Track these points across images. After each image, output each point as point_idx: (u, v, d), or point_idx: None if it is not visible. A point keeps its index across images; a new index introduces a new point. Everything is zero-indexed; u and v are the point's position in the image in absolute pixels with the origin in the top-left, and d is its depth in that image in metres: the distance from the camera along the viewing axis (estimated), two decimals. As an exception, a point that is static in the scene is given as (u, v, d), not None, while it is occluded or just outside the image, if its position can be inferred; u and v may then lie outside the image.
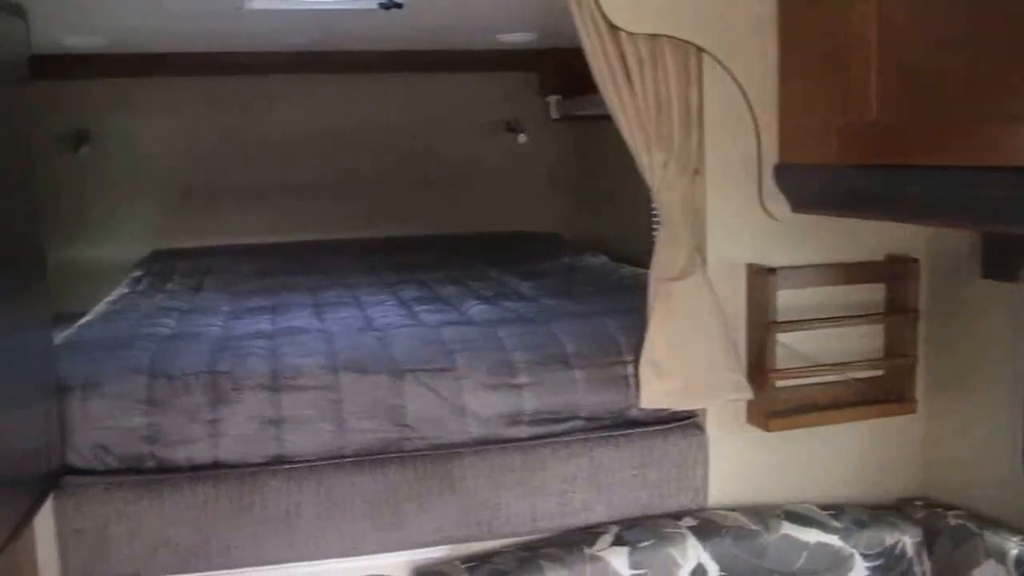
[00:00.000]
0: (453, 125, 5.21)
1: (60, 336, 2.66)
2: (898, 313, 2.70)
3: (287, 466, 2.42)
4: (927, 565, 2.58)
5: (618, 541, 2.47)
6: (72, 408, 2.36)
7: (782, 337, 2.59)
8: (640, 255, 2.72)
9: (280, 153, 5.02)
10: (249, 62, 4.58)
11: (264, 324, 3.09)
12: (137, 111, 4.89)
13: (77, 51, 3.99)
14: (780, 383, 2.61)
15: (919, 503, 2.68)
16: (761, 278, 2.56)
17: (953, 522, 2.54)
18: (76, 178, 4.71)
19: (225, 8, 3.19)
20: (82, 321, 3.18)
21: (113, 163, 4.90)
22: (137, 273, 4.36)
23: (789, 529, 2.53)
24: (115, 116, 4.87)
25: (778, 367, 2.59)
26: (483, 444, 2.52)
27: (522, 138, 5.27)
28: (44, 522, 2.32)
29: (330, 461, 2.44)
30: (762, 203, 2.53)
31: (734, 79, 2.46)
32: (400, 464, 2.46)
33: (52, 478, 2.31)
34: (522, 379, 2.54)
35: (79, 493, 2.33)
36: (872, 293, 2.70)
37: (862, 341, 2.70)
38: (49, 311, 2.41)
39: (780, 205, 2.52)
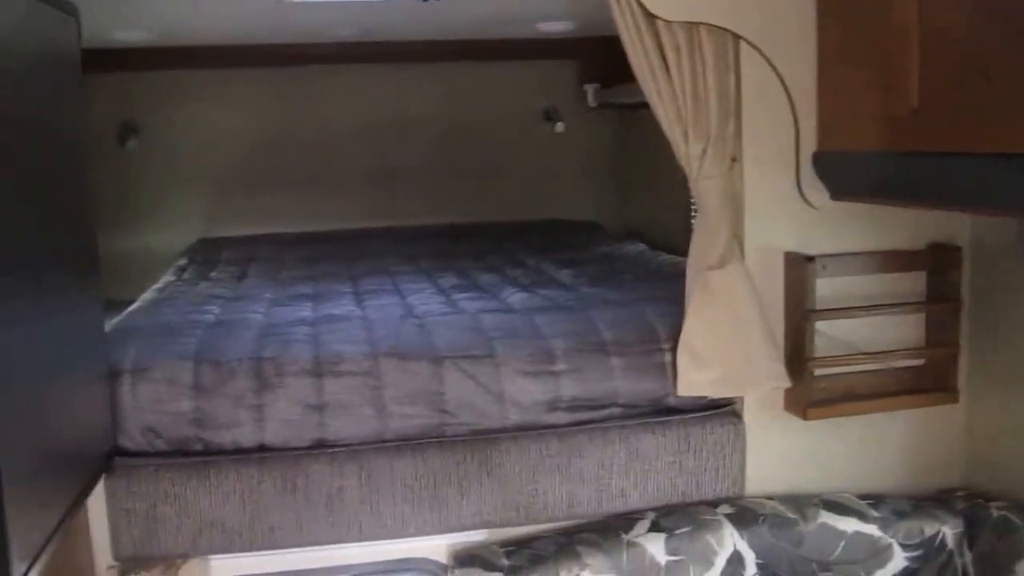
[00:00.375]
0: (492, 114, 5.24)
1: (110, 323, 2.74)
2: (940, 302, 2.70)
3: (329, 450, 2.48)
4: (968, 557, 2.57)
5: (655, 528, 2.51)
6: (123, 392, 2.44)
7: (821, 325, 2.60)
8: (678, 243, 2.74)
9: (322, 143, 5.09)
10: (292, 54, 4.66)
11: (306, 311, 3.16)
12: (183, 103, 4.99)
13: (124, 45, 4.08)
14: (819, 371, 2.61)
15: (960, 494, 2.67)
16: (799, 266, 2.57)
17: (996, 513, 2.52)
18: (123, 169, 4.80)
19: (268, 2, 3.26)
20: (130, 308, 3.27)
21: (159, 154, 5.00)
22: (182, 262, 4.45)
23: (827, 518, 2.54)
24: (162, 108, 4.96)
25: (817, 355, 2.59)
26: (521, 430, 2.56)
27: (560, 127, 5.28)
28: (97, 502, 2.40)
29: (371, 446, 2.50)
30: (800, 191, 2.55)
31: (772, 66, 2.47)
32: (440, 449, 2.51)
33: (104, 460, 2.40)
34: (560, 366, 2.58)
35: (130, 474, 2.42)
36: (913, 281, 2.70)
37: (903, 330, 2.70)
38: (101, 299, 2.49)
39: (819, 193, 2.53)
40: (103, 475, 2.39)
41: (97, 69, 2.36)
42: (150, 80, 4.82)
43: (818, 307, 2.58)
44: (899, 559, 2.55)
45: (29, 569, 1.80)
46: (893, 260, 2.67)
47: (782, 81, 2.49)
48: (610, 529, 2.52)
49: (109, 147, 4.75)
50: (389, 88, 5.09)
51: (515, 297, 3.27)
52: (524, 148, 5.34)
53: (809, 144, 2.52)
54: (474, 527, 2.57)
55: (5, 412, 1.70)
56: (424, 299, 3.32)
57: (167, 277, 4.09)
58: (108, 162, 4.66)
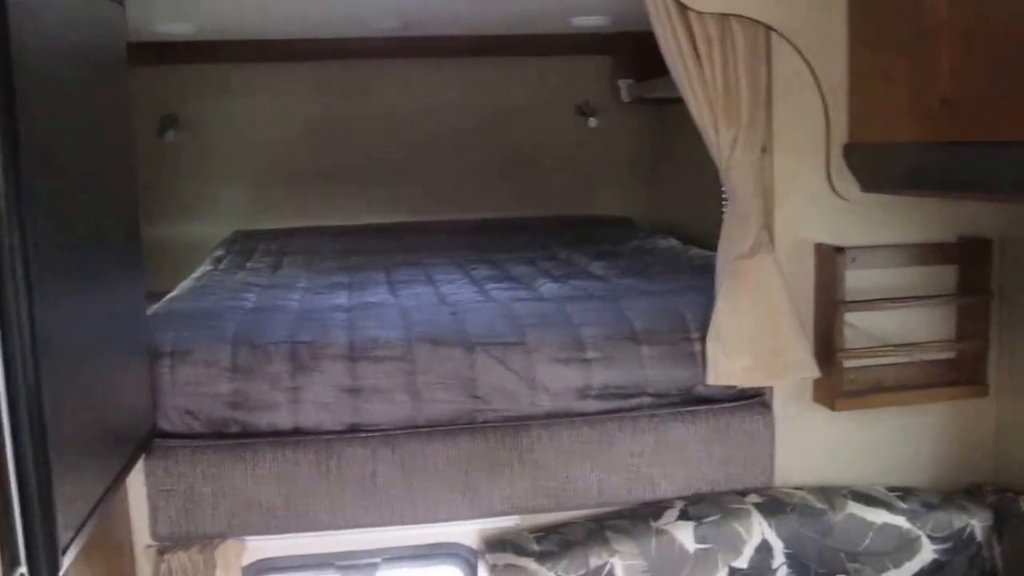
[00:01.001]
0: (526, 109, 5.28)
1: (150, 309, 2.81)
2: (970, 295, 2.71)
3: (363, 434, 2.54)
4: (997, 550, 2.59)
5: (684, 516, 2.54)
6: (163, 374, 2.51)
7: (851, 317, 2.62)
8: (710, 238, 2.76)
9: (357, 137, 5.15)
10: (330, 48, 4.72)
11: (341, 299, 3.22)
12: (222, 96, 5.08)
13: (167, 38, 4.16)
14: (848, 363, 2.64)
15: (990, 487, 2.68)
16: (829, 257, 2.60)
17: (1025, 507, 2.54)
18: (162, 161, 4.89)
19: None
20: (169, 295, 3.34)
21: (198, 147, 5.09)
22: (220, 252, 4.54)
23: (855, 509, 2.57)
24: (201, 101, 5.06)
25: (846, 347, 2.62)
26: (553, 417, 2.60)
27: (593, 122, 5.32)
28: (136, 482, 2.47)
29: (405, 430, 2.55)
30: (831, 182, 2.57)
31: (803, 57, 2.50)
32: (472, 435, 2.56)
33: (144, 440, 2.46)
34: (591, 354, 2.62)
35: (168, 455, 2.48)
36: (944, 274, 2.72)
37: (933, 323, 2.72)
38: (144, 284, 2.56)
39: (849, 184, 2.55)
40: (143, 455, 2.45)
41: (139, 61, 2.42)
42: (190, 73, 4.92)
43: (848, 299, 2.61)
44: (927, 551, 2.57)
45: (72, 541, 1.86)
46: (924, 252, 2.69)
47: (813, 72, 2.51)
48: (639, 516, 2.56)
49: (149, 139, 4.83)
50: (425, 82, 5.15)
51: (547, 287, 3.32)
52: (558, 143, 5.38)
53: (840, 135, 2.54)
54: (505, 512, 2.61)
55: (54, 390, 1.76)
56: (457, 288, 3.38)
57: (205, 267, 4.18)
58: (148, 153, 4.74)
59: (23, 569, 1.73)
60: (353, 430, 2.55)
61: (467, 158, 5.25)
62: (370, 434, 2.54)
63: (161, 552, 2.52)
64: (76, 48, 2.08)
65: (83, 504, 1.96)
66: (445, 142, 5.22)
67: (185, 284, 3.68)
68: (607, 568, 2.44)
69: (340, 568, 2.66)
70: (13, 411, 1.68)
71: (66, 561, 1.81)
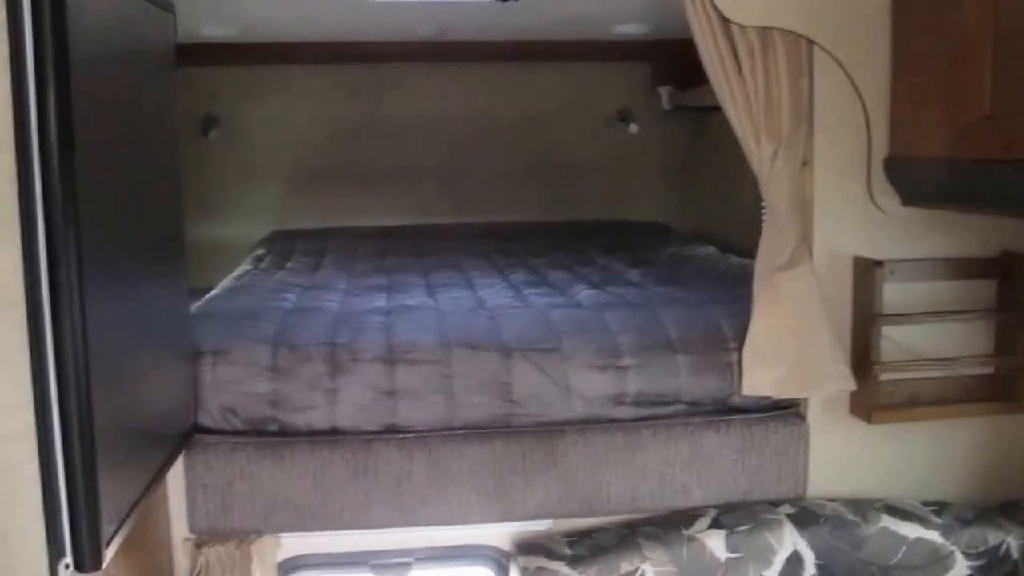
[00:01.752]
0: (565, 114, 5.32)
1: (191, 307, 2.87)
2: (1010, 310, 2.72)
3: (399, 435, 2.59)
4: (1032, 568, 2.59)
5: (716, 524, 2.57)
6: (204, 372, 2.58)
7: (888, 330, 2.64)
8: (748, 247, 2.79)
9: (398, 140, 5.21)
10: (371, 52, 4.79)
11: (380, 301, 3.27)
12: (264, 97, 5.15)
13: (211, 40, 4.24)
14: (884, 376, 2.66)
15: (1026, 505, 2.69)
16: (868, 271, 2.62)
17: (1062, 525, 2.54)
18: (204, 160, 4.96)
19: (351, 1, 3.38)
20: (210, 294, 3.41)
21: (239, 147, 5.17)
22: (259, 251, 4.60)
23: (888, 522, 2.58)
24: (243, 102, 5.13)
25: (883, 360, 2.63)
26: (587, 423, 2.64)
27: (633, 128, 5.34)
28: (176, 476, 2.53)
29: (440, 432, 2.60)
30: (871, 196, 2.59)
31: (845, 71, 2.53)
32: (506, 439, 2.60)
33: (185, 436, 2.53)
34: (627, 361, 2.66)
35: (208, 451, 2.54)
36: (982, 289, 2.73)
37: (971, 338, 2.73)
38: (187, 283, 2.62)
39: (889, 198, 2.57)
40: (183, 451, 2.52)
41: (182, 62, 2.49)
42: (231, 74, 4.99)
43: (885, 312, 2.62)
44: (961, 567, 2.57)
45: (115, 534, 1.92)
46: (963, 267, 2.71)
47: (855, 86, 2.54)
48: (671, 524, 2.59)
49: (191, 139, 4.90)
50: (464, 87, 5.19)
51: (584, 294, 3.35)
52: (597, 149, 5.40)
53: (881, 149, 2.57)
54: (538, 516, 2.65)
55: (101, 387, 1.82)
56: (495, 293, 3.42)
57: (245, 266, 4.24)
58: (190, 153, 4.81)
59: (68, 560, 1.79)
60: (389, 431, 2.60)
61: (504, 162, 5.29)
62: (406, 436, 2.59)
63: (198, 545, 2.59)
64: (127, 52, 2.14)
65: (126, 498, 2.02)
66: (482, 145, 5.26)
67: (225, 283, 3.75)
68: (638, 574, 2.47)
69: (373, 567, 2.71)
70: (63, 408, 1.75)
71: (109, 554, 1.88)
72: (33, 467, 1.75)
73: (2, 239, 1.67)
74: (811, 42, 2.50)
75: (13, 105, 1.65)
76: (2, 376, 1.71)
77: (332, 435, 2.59)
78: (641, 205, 5.44)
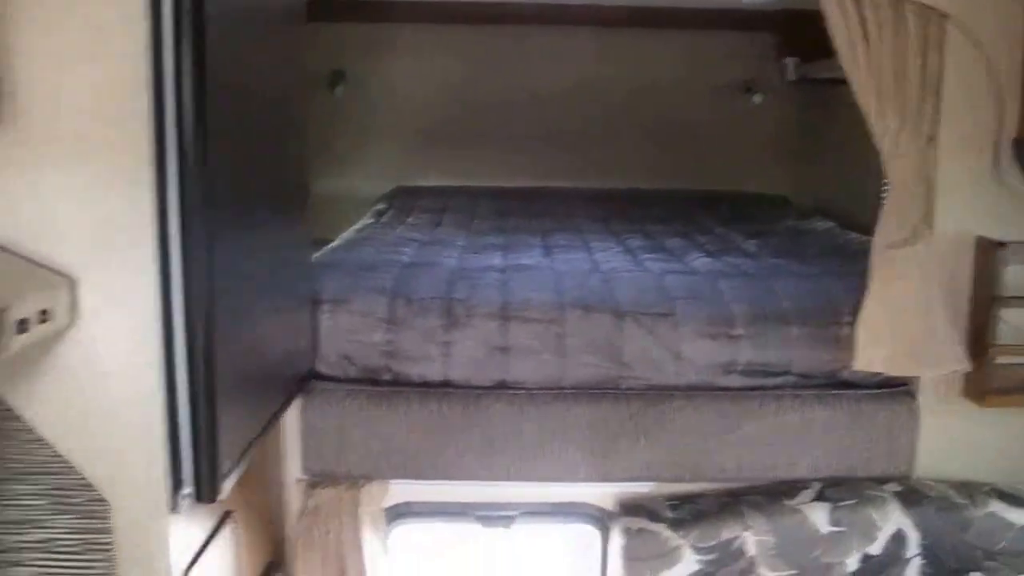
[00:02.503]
0: (688, 82, 5.31)
1: (313, 257, 2.99)
2: None
3: (509, 391, 2.67)
4: None
5: (820, 497, 2.60)
6: (323, 320, 2.69)
7: (1006, 313, 2.62)
8: (868, 223, 2.77)
9: (521, 102, 5.26)
10: (498, 13, 4.86)
11: (496, 260, 3.35)
12: (390, 55, 5.25)
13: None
14: (1000, 360, 2.64)
15: None
16: (989, 252, 2.60)
17: None
18: (329, 116, 5.08)
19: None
20: (332, 245, 3.53)
21: (365, 103, 5.29)
22: (381, 206, 4.73)
23: (997, 507, 2.59)
24: (369, 59, 5.24)
25: (1000, 343, 2.62)
26: (695, 389, 2.69)
27: (757, 99, 5.30)
28: (292, 419, 2.65)
29: (550, 390, 2.68)
30: (997, 175, 2.56)
31: (978, 48, 2.50)
32: (615, 400, 2.66)
33: (302, 381, 2.65)
34: (739, 330, 2.69)
35: (324, 397, 2.66)
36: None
37: None
38: (311, 234, 2.74)
39: (1016, 179, 2.53)
40: (300, 395, 2.63)
41: (313, 18, 2.58)
42: (362, 32, 5.10)
43: (1005, 294, 2.60)
44: (1071, 558, 2.56)
45: (232, 470, 2.05)
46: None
47: (988, 63, 2.51)
48: (775, 494, 2.64)
49: (318, 94, 5.04)
50: (587, 52, 5.22)
51: (699, 261, 3.39)
52: (719, 118, 5.37)
53: (1011, 128, 2.53)
54: (641, 479, 2.71)
55: (224, 326, 1.93)
56: (610, 257, 3.47)
57: (366, 220, 4.37)
58: (316, 108, 4.94)
59: (188, 490, 1.92)
60: (500, 386, 2.68)
61: (623, 127, 5.30)
62: (516, 392, 2.67)
63: (310, 486, 2.70)
64: (260, 6, 2.23)
65: (243, 436, 2.14)
66: (603, 110, 5.28)
67: (346, 235, 3.87)
68: (738, 542, 2.52)
69: (478, 518, 2.80)
70: (190, 345, 1.87)
71: (226, 487, 2.00)
72: (160, 400, 1.88)
73: (138, 183, 1.79)
74: (944, 16, 2.47)
75: (151, 58, 1.76)
76: (133, 312, 1.84)
77: (444, 387, 2.69)
78: (760, 177, 5.40)
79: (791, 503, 2.58)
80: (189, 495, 1.92)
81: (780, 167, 5.44)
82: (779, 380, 2.71)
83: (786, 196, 5.24)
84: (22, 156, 1.77)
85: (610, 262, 3.35)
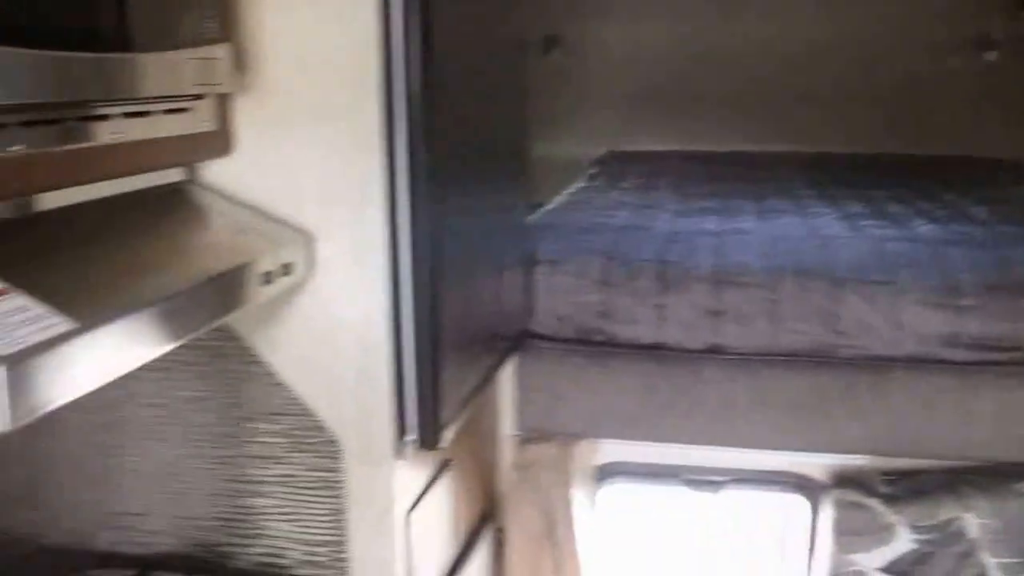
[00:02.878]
0: (912, 39, 5.06)
1: (528, 218, 3.08)
2: None
3: (722, 356, 2.68)
4: None
5: (1052, 483, 2.48)
6: (539, 280, 2.78)
7: None
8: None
9: (736, 66, 5.18)
10: None
11: (710, 224, 3.34)
12: (604, 19, 5.29)
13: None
14: None
15: None
16: None
17: None
18: (543, 80, 5.17)
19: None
20: (546, 207, 3.63)
21: (578, 68, 5.35)
22: (593, 170, 4.79)
23: None
24: (584, 23, 5.29)
25: None
26: (916, 361, 2.61)
27: (990, 56, 5.00)
28: (507, 376, 2.77)
29: (763, 357, 2.66)
30: None
31: None
32: (830, 369, 2.62)
33: (517, 339, 2.75)
34: (966, 301, 2.59)
35: (538, 356, 2.75)
36: None
37: None
38: (527, 194, 2.82)
39: None
40: (515, 353, 2.74)
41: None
42: None
43: None
44: None
45: (453, 419, 2.16)
46: None
47: None
48: (1001, 476, 2.54)
49: (533, 57, 5.12)
50: (807, 10, 5.08)
51: (923, 228, 3.27)
52: (946, 77, 5.11)
53: None
54: (857, 451, 2.66)
55: (449, 284, 2.04)
56: (827, 222, 3.40)
57: (579, 183, 4.44)
58: (531, 73, 5.03)
59: (413, 437, 2.05)
60: (712, 351, 2.70)
61: (842, 89, 5.13)
62: (728, 357, 2.68)
63: (523, 442, 2.81)
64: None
65: (463, 389, 2.25)
66: (820, 71, 5.13)
67: (560, 198, 3.96)
68: (957, 523, 2.46)
69: (686, 481, 2.84)
70: (417, 303, 1.98)
71: (447, 436, 2.11)
72: (388, 350, 2.00)
73: (370, 146, 1.90)
74: None
75: (381, 22, 1.85)
76: (365, 267, 1.96)
77: (657, 349, 2.72)
78: (993, 140, 5.10)
79: (1019, 486, 2.47)
80: (413, 441, 2.04)
81: (1015, 130, 5.12)
82: (1008, 355, 2.58)
83: (1020, 161, 4.94)
84: (267, 120, 1.92)
85: (827, 228, 3.28)
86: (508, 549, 2.79)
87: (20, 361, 1.14)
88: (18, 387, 1.13)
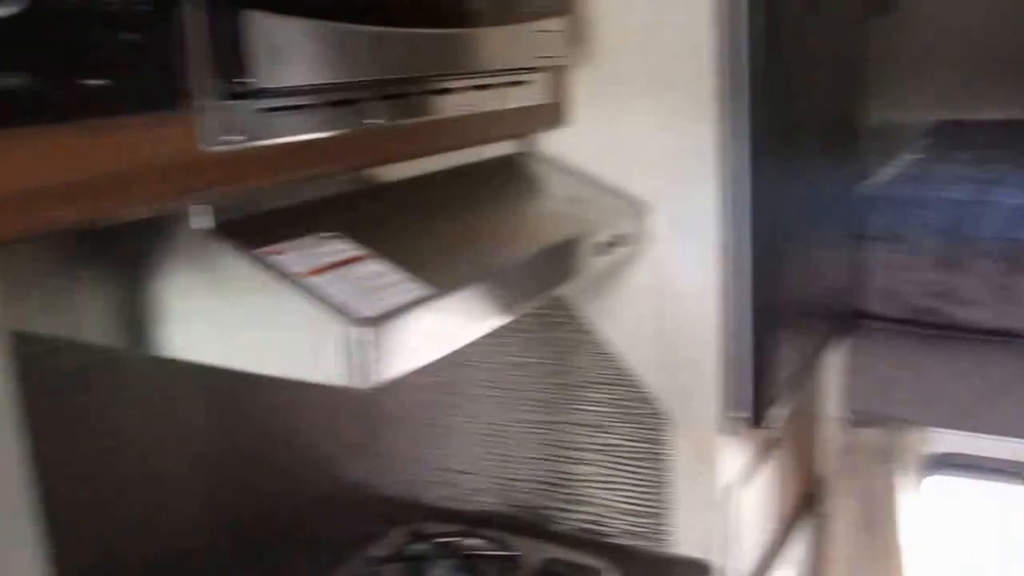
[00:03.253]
0: None
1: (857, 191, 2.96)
2: None
3: None
4: None
5: None
6: (870, 256, 2.66)
7: None
8: None
9: None
10: None
11: (1063, 200, 3.06)
12: None
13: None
14: None
15: None
16: None
17: None
18: (875, 46, 4.92)
19: None
20: (875, 179, 3.46)
21: (911, 30, 5.05)
22: (926, 141, 4.52)
23: None
24: None
25: None
26: None
27: None
28: (835, 356, 2.68)
29: None
30: None
31: None
32: None
33: (847, 318, 2.65)
34: None
35: (868, 336, 2.64)
36: None
37: None
38: (859, 167, 2.70)
39: None
40: (843, 332, 2.64)
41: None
42: None
43: None
44: None
45: (785, 399, 2.13)
46: None
47: None
48: None
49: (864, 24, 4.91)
50: None
51: None
52: None
53: None
54: None
55: (783, 259, 1.99)
56: None
57: (909, 154, 4.21)
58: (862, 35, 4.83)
59: (745, 414, 2.02)
60: (1066, 340, 2.49)
61: None
62: None
63: (851, 425, 2.72)
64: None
65: (791, 368, 2.20)
66: None
67: (889, 169, 3.76)
68: None
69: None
70: (753, 277, 1.94)
71: (779, 415, 2.09)
72: (720, 324, 1.98)
73: (705, 117, 1.87)
74: None
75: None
76: (699, 238, 1.94)
77: (999, 335, 2.54)
78: None
79: None
80: (745, 419, 2.02)
81: None
82: None
83: None
84: (601, 92, 1.95)
85: None
86: (828, 536, 2.72)
87: (387, 320, 1.22)
88: (384, 347, 1.20)
